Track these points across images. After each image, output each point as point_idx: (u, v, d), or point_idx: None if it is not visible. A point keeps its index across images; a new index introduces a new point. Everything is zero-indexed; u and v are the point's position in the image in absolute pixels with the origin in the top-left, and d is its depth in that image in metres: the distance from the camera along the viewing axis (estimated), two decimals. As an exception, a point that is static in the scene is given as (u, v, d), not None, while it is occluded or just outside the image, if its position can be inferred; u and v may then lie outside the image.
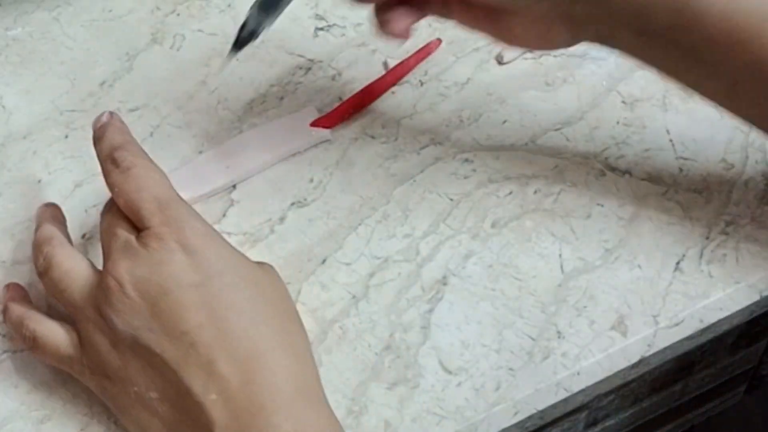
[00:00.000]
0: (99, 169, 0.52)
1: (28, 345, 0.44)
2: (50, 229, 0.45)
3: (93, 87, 0.56)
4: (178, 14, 0.60)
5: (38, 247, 0.44)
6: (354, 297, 0.47)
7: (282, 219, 0.50)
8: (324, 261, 0.49)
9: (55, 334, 0.43)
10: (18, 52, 0.58)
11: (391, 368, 0.45)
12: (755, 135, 0.53)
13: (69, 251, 0.44)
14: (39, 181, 0.52)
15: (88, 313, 0.41)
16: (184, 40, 0.58)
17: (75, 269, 0.43)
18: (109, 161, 0.43)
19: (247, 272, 0.42)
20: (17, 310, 0.44)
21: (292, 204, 0.51)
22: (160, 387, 0.40)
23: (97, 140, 0.45)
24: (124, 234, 0.41)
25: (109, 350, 0.41)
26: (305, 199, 0.51)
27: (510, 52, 0.56)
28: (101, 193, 0.51)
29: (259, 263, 0.43)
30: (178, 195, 0.43)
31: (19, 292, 0.46)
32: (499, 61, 0.56)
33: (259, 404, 0.38)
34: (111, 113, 0.46)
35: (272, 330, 0.41)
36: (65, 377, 0.45)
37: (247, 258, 0.43)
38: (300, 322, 0.43)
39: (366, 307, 0.47)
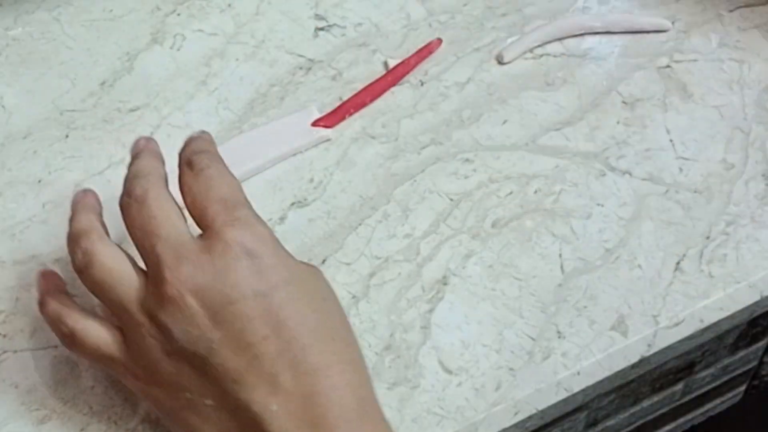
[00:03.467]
0: (99, 169, 0.52)
1: (66, 342, 0.41)
2: (88, 220, 0.42)
3: (93, 87, 0.56)
4: (179, 14, 0.60)
5: (75, 240, 0.40)
6: (354, 297, 0.47)
7: (282, 219, 0.50)
8: (324, 261, 0.49)
9: (95, 332, 0.40)
10: (18, 52, 0.58)
11: (391, 368, 0.45)
12: (755, 135, 0.53)
13: (110, 247, 0.40)
14: (39, 181, 0.52)
15: (138, 317, 0.39)
16: (184, 40, 0.58)
17: (119, 269, 0.40)
18: (186, 165, 0.41)
19: (307, 282, 0.40)
20: (54, 304, 0.42)
21: (292, 204, 0.51)
22: (216, 395, 0.38)
23: (184, 147, 0.43)
24: (176, 233, 0.39)
25: (162, 357, 0.39)
26: (305, 199, 0.51)
27: (510, 52, 0.56)
28: (101, 193, 0.51)
29: (312, 268, 0.41)
30: (247, 200, 0.41)
31: (55, 283, 0.44)
32: (500, 60, 0.56)
33: (321, 418, 0.37)
34: (204, 132, 0.44)
35: (335, 343, 0.39)
36: (65, 377, 0.45)
37: (305, 266, 0.41)
38: (354, 334, 0.41)
39: (366, 307, 0.47)
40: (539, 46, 0.57)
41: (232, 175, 0.41)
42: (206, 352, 0.38)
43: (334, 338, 0.39)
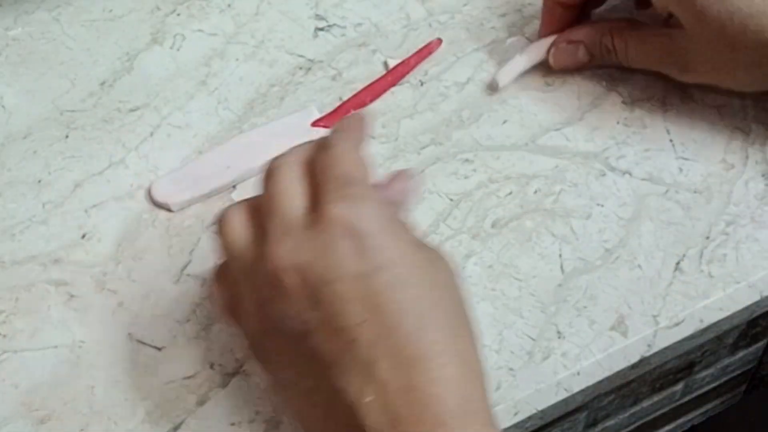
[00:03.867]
0: (99, 169, 0.52)
1: (213, 288, 0.42)
2: (230, 216, 0.40)
3: (93, 87, 0.56)
4: (179, 14, 0.60)
5: (226, 210, 0.40)
6: (354, 297, 0.47)
7: (282, 219, 0.50)
8: (324, 261, 0.49)
9: (223, 291, 0.41)
10: (18, 52, 0.58)
11: (391, 368, 0.45)
12: (755, 135, 0.53)
13: (236, 228, 0.39)
14: (39, 181, 0.52)
15: (243, 289, 0.38)
16: (184, 40, 0.58)
17: (239, 242, 0.39)
18: (321, 142, 0.40)
19: (421, 266, 0.37)
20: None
21: (292, 204, 0.51)
22: (313, 378, 0.37)
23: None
24: (291, 211, 0.38)
25: (262, 334, 0.38)
26: (305, 199, 0.51)
27: (505, 77, 0.54)
28: (101, 193, 0.51)
29: (435, 253, 0.39)
30: (368, 178, 0.39)
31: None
32: (493, 88, 0.55)
33: (418, 414, 0.35)
34: (358, 113, 0.43)
35: (441, 335, 0.36)
36: (65, 377, 0.45)
37: (427, 250, 0.39)
38: (471, 328, 0.38)
39: (366, 307, 0.47)
40: (533, 66, 0.55)
41: (361, 154, 0.39)
42: (301, 333, 0.36)
43: (441, 328, 0.36)
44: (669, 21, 0.51)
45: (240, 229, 0.39)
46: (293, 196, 0.38)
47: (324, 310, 0.36)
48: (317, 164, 0.39)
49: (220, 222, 0.40)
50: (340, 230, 0.36)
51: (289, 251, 0.36)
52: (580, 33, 0.54)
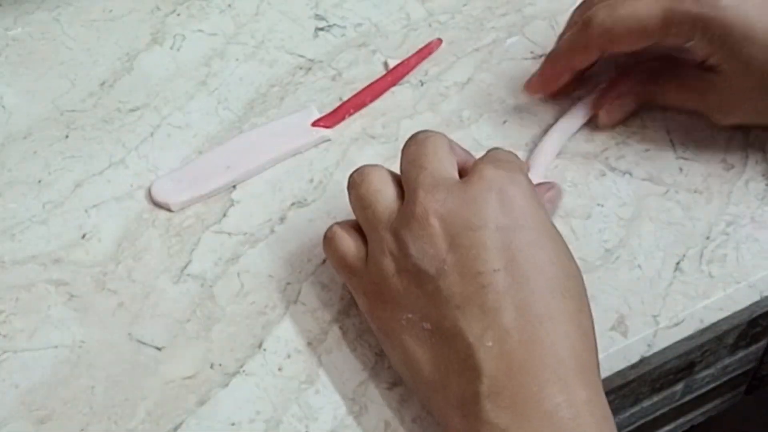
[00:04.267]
0: (99, 169, 0.52)
1: (324, 243, 0.44)
2: (376, 166, 0.44)
3: (93, 87, 0.56)
4: (179, 14, 0.60)
5: (359, 168, 0.44)
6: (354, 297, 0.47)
7: (282, 219, 0.50)
8: (324, 261, 0.49)
9: (348, 242, 0.43)
10: (18, 52, 0.58)
11: (391, 368, 0.45)
12: (755, 135, 0.53)
13: (384, 174, 0.43)
14: (39, 181, 0.52)
15: (383, 233, 0.41)
16: (184, 40, 0.58)
17: (383, 191, 0.42)
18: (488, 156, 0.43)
19: (553, 237, 0.40)
20: (335, 224, 0.45)
21: (292, 204, 0.51)
22: (434, 319, 0.39)
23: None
24: (441, 168, 0.41)
25: (393, 274, 0.40)
26: (305, 199, 0.51)
27: (536, 171, 0.51)
28: (101, 193, 0.51)
29: (557, 230, 0.41)
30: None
31: (350, 222, 0.46)
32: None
33: (536, 367, 0.37)
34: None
35: (566, 301, 0.38)
36: (65, 377, 0.45)
37: (552, 224, 0.41)
38: (588, 305, 0.41)
39: (366, 307, 0.47)
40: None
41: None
42: (436, 272, 0.39)
43: (566, 296, 0.39)
44: (704, 63, 0.48)
45: (384, 180, 0.43)
46: (444, 158, 0.42)
47: (462, 253, 0.38)
48: (479, 158, 0.42)
49: (358, 176, 0.43)
50: (489, 186, 0.40)
51: (438, 199, 0.40)
52: (625, 86, 0.52)
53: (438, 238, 0.39)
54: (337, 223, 0.44)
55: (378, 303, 0.41)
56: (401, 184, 0.43)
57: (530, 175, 0.49)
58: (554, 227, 0.41)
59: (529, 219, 0.39)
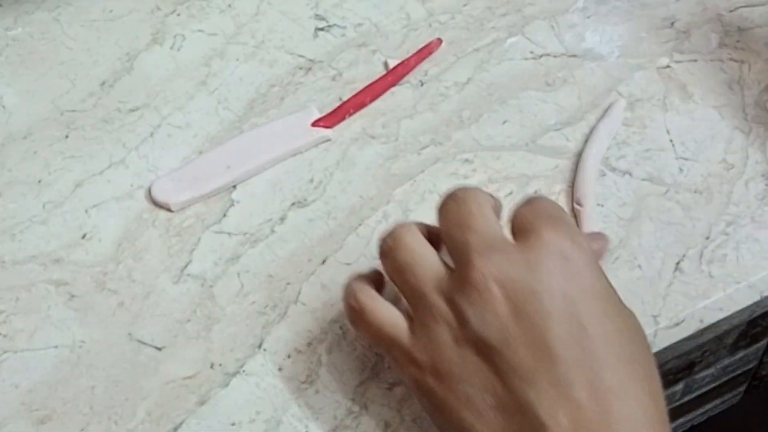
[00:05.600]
0: (99, 169, 0.52)
1: (352, 317, 0.41)
2: (403, 223, 0.42)
3: (93, 87, 0.56)
4: (179, 14, 0.60)
5: (388, 231, 0.41)
6: (354, 297, 0.47)
7: (282, 219, 0.50)
8: (324, 261, 0.49)
9: (384, 311, 0.40)
10: (18, 52, 0.58)
11: (390, 368, 0.45)
12: (755, 135, 0.53)
13: (418, 235, 0.40)
14: (39, 181, 0.52)
15: (433, 300, 0.38)
16: (184, 40, 0.58)
17: (423, 253, 0.40)
18: (526, 199, 0.41)
19: (616, 302, 0.38)
20: (355, 281, 0.42)
21: (293, 204, 0.51)
22: (498, 393, 0.36)
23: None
24: (490, 228, 0.38)
25: (449, 344, 0.37)
26: (305, 199, 0.51)
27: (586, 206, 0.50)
28: (101, 193, 0.51)
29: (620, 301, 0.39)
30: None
31: (369, 275, 0.43)
32: (578, 203, 0.50)
33: None
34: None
35: (635, 369, 0.36)
36: (65, 377, 0.45)
37: (613, 288, 0.39)
38: (656, 367, 0.38)
39: (366, 307, 0.47)
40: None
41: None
42: (500, 342, 0.36)
43: (634, 364, 0.37)
44: None
45: (421, 242, 0.40)
46: (489, 216, 0.39)
47: (527, 322, 0.36)
48: (522, 209, 0.40)
49: (391, 242, 0.40)
50: (551, 251, 0.37)
51: (496, 263, 0.37)
52: None
53: (500, 305, 0.36)
54: (357, 288, 0.41)
55: (429, 373, 0.38)
56: (435, 242, 0.41)
57: (584, 211, 0.49)
58: (615, 291, 0.39)
59: (593, 286, 0.37)
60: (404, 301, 0.40)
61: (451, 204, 0.40)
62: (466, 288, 0.37)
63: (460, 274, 0.38)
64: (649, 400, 0.36)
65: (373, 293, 0.41)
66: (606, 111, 0.54)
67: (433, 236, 0.41)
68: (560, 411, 0.35)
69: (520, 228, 0.39)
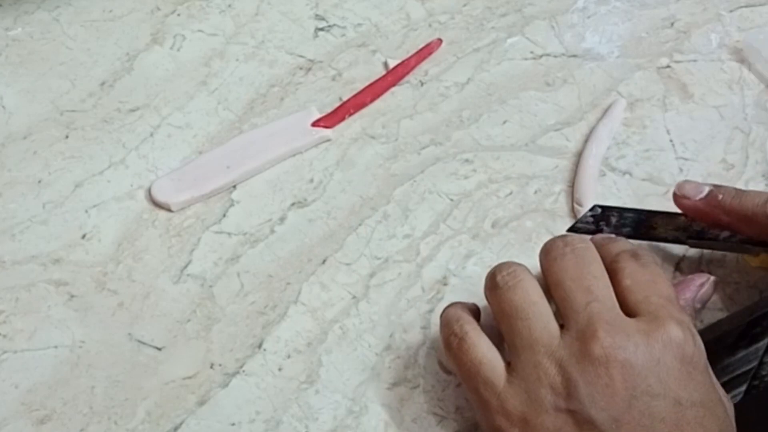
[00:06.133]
0: (99, 169, 0.52)
1: (453, 343, 0.40)
2: (461, 309, 0.42)
3: (93, 87, 0.56)
4: (179, 14, 0.60)
5: (506, 265, 0.41)
6: (354, 297, 0.47)
7: (282, 219, 0.50)
8: (324, 261, 0.49)
9: (486, 349, 0.39)
10: (18, 52, 0.58)
11: (391, 368, 0.45)
12: (755, 135, 0.53)
13: (537, 285, 0.40)
14: (39, 181, 0.52)
15: (543, 360, 0.38)
16: (184, 41, 0.58)
17: (541, 305, 0.39)
18: (631, 255, 0.41)
19: (719, 416, 0.38)
20: (459, 308, 0.42)
21: (293, 204, 0.51)
22: None
23: (612, 243, 0.42)
24: (611, 300, 0.38)
25: (547, 409, 0.37)
26: (305, 199, 0.51)
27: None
28: (101, 193, 0.51)
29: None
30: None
31: (473, 307, 0.43)
32: (578, 203, 0.51)
33: None
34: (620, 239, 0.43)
35: None
36: (65, 377, 0.45)
37: (723, 406, 0.39)
38: None
39: (366, 307, 0.47)
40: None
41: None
42: (605, 426, 0.36)
43: None
44: None
45: (540, 293, 0.39)
46: (609, 288, 0.39)
47: (637, 417, 0.36)
48: (638, 275, 0.39)
49: (507, 280, 0.40)
50: (674, 352, 0.37)
51: (621, 346, 0.37)
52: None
53: (616, 390, 0.36)
54: (462, 317, 0.41)
55: (514, 428, 0.38)
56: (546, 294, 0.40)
57: (583, 211, 0.48)
58: (720, 402, 0.38)
59: (703, 395, 0.37)
60: (505, 345, 0.40)
61: (569, 254, 0.40)
62: (583, 360, 0.37)
63: (579, 344, 0.37)
64: None
65: (478, 327, 0.40)
66: (606, 111, 0.54)
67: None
68: None
69: (639, 302, 0.38)
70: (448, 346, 0.41)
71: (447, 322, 0.41)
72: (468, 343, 0.40)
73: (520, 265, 0.41)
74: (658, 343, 0.37)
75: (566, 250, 0.40)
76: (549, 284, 0.40)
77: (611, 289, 0.39)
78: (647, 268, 0.40)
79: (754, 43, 0.53)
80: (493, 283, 0.40)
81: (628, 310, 0.39)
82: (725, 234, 0.45)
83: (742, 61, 0.56)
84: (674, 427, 0.36)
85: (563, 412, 0.37)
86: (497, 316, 0.40)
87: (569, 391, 0.37)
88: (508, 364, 0.39)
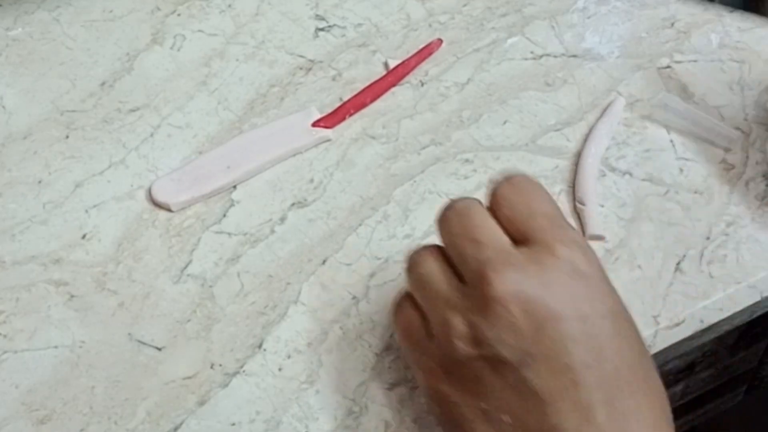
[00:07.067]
0: (99, 169, 0.52)
1: (394, 309, 0.41)
2: (431, 247, 0.41)
3: (93, 87, 0.56)
4: (179, 14, 0.60)
5: (415, 249, 0.41)
6: (354, 297, 0.47)
7: (282, 219, 0.50)
8: (324, 261, 0.49)
9: (413, 313, 0.40)
10: (18, 52, 0.58)
11: (391, 368, 0.45)
12: (755, 135, 0.53)
13: (439, 256, 0.40)
14: (39, 181, 0.52)
15: (448, 315, 0.38)
16: (184, 41, 0.58)
17: (440, 269, 0.39)
18: (504, 179, 0.40)
19: (626, 318, 0.38)
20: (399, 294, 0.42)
21: (293, 204, 0.51)
22: (517, 413, 0.36)
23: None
24: (498, 241, 0.38)
25: (466, 360, 0.37)
26: (305, 200, 0.51)
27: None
28: (101, 193, 0.51)
29: (623, 304, 0.39)
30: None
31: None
32: (580, 203, 0.50)
33: None
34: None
35: (647, 386, 0.37)
36: (65, 377, 0.45)
37: (621, 300, 0.39)
38: (660, 379, 0.39)
39: (366, 307, 0.47)
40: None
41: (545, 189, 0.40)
42: (519, 362, 0.36)
43: (647, 381, 0.37)
44: None
45: (438, 259, 0.39)
46: (497, 230, 0.38)
47: (547, 345, 0.36)
48: (511, 199, 0.39)
49: (414, 258, 0.40)
50: (567, 271, 0.37)
51: (514, 281, 0.36)
52: None
53: (520, 326, 0.36)
54: (403, 297, 0.41)
55: (445, 385, 0.38)
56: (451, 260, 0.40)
57: (586, 210, 0.49)
58: (625, 307, 0.38)
59: (608, 304, 0.37)
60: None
61: (452, 216, 0.39)
62: (483, 306, 0.36)
63: (476, 291, 0.37)
64: (662, 416, 0.37)
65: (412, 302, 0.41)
66: (605, 110, 0.54)
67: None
68: (584, 430, 0.35)
69: (523, 233, 0.38)
70: (392, 316, 0.42)
71: (397, 300, 0.42)
72: (401, 308, 0.41)
73: (428, 247, 0.41)
74: (547, 268, 0.37)
75: (448, 214, 0.40)
76: (447, 251, 0.40)
77: (497, 228, 0.39)
78: (522, 190, 0.39)
79: (670, 102, 0.53)
80: (407, 269, 0.41)
81: (517, 240, 0.38)
82: None
83: (742, 61, 0.56)
84: (588, 342, 0.36)
85: (477, 359, 0.37)
86: (413, 292, 0.41)
87: (476, 338, 0.37)
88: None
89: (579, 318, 0.36)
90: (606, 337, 0.36)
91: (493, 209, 0.39)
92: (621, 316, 0.37)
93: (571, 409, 0.35)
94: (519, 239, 0.38)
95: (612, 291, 0.38)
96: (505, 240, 0.38)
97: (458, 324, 0.37)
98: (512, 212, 0.39)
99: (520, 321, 0.36)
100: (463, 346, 0.37)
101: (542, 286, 0.36)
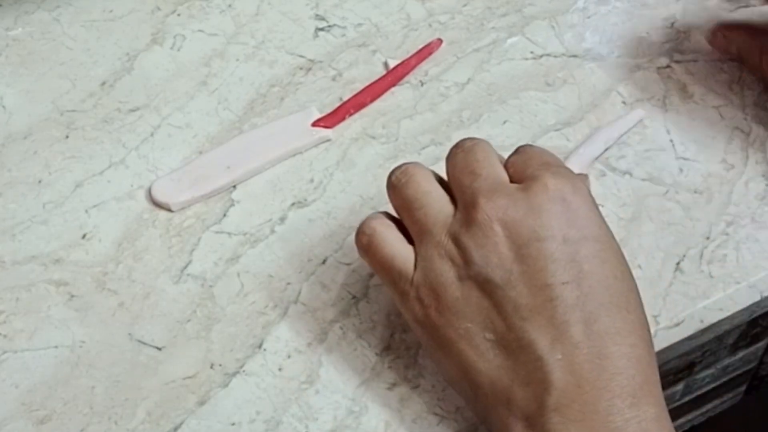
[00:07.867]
0: (99, 169, 0.53)
1: (362, 246, 0.42)
2: (418, 165, 0.43)
3: (93, 87, 0.56)
4: (179, 14, 0.60)
5: (399, 166, 0.43)
6: (354, 297, 0.47)
7: (282, 219, 0.50)
8: (324, 261, 0.49)
9: (393, 242, 0.41)
10: (18, 52, 0.58)
11: (391, 368, 0.45)
12: (755, 135, 0.53)
13: (429, 174, 0.42)
14: (39, 181, 0.52)
15: (439, 238, 0.40)
16: (184, 41, 0.58)
17: (433, 192, 0.41)
18: (515, 151, 0.43)
19: (613, 248, 0.39)
20: (370, 215, 0.43)
21: (293, 204, 0.51)
22: (498, 330, 0.38)
23: None
24: (495, 174, 0.40)
25: (452, 281, 0.39)
26: (305, 199, 0.51)
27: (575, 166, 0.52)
28: (101, 193, 0.52)
29: (615, 240, 0.41)
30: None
31: (386, 214, 0.44)
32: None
33: (606, 382, 0.36)
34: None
35: (629, 314, 0.38)
36: (65, 377, 0.45)
37: (612, 234, 0.40)
38: (645, 313, 0.40)
39: (366, 307, 0.47)
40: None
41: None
42: (502, 281, 0.38)
43: (629, 309, 0.38)
44: None
45: (431, 180, 0.42)
46: (497, 165, 0.41)
47: (529, 264, 0.38)
48: (518, 158, 0.42)
49: (405, 170, 0.42)
50: (553, 196, 0.39)
51: (501, 205, 0.39)
52: (738, 37, 0.54)
53: (503, 246, 0.38)
54: (373, 219, 0.42)
55: (432, 311, 0.40)
56: (445, 187, 0.42)
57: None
58: (614, 238, 0.40)
59: (593, 230, 0.39)
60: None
61: (459, 153, 0.42)
62: (471, 228, 0.39)
63: (465, 214, 0.39)
64: (641, 346, 0.38)
65: (388, 222, 0.42)
66: (619, 118, 0.53)
67: (441, 184, 0.42)
68: (557, 347, 0.37)
69: (520, 175, 0.41)
70: (359, 246, 0.43)
71: (359, 226, 0.43)
72: (377, 239, 0.42)
73: (412, 162, 0.43)
74: (536, 195, 0.39)
75: (456, 151, 0.42)
76: (449, 183, 0.42)
77: (498, 165, 0.41)
78: (531, 148, 0.42)
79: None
80: (389, 183, 0.43)
81: (514, 180, 0.41)
82: None
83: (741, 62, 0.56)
84: (568, 263, 0.38)
85: (465, 279, 0.39)
86: (399, 213, 0.42)
87: (465, 259, 0.39)
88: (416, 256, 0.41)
89: (562, 239, 0.38)
90: (586, 259, 0.38)
91: (507, 162, 0.42)
92: (606, 243, 0.39)
93: (546, 325, 0.37)
94: (518, 181, 0.40)
95: (601, 221, 0.40)
96: (503, 175, 0.41)
97: (450, 246, 0.39)
98: (519, 158, 0.41)
99: (503, 241, 0.38)
100: (453, 268, 0.39)
101: (529, 210, 0.39)
